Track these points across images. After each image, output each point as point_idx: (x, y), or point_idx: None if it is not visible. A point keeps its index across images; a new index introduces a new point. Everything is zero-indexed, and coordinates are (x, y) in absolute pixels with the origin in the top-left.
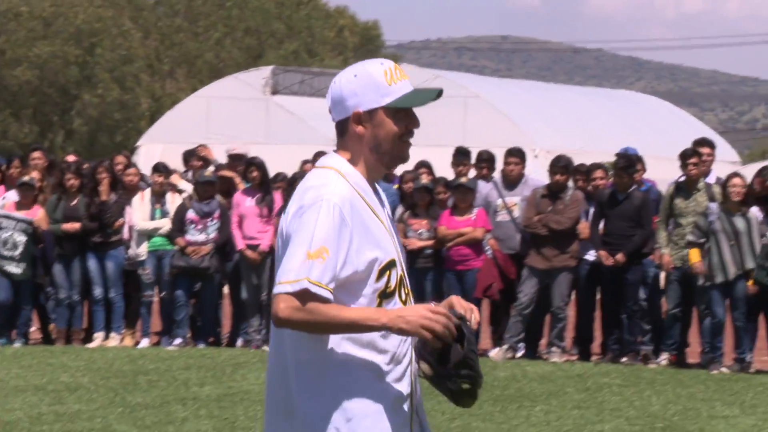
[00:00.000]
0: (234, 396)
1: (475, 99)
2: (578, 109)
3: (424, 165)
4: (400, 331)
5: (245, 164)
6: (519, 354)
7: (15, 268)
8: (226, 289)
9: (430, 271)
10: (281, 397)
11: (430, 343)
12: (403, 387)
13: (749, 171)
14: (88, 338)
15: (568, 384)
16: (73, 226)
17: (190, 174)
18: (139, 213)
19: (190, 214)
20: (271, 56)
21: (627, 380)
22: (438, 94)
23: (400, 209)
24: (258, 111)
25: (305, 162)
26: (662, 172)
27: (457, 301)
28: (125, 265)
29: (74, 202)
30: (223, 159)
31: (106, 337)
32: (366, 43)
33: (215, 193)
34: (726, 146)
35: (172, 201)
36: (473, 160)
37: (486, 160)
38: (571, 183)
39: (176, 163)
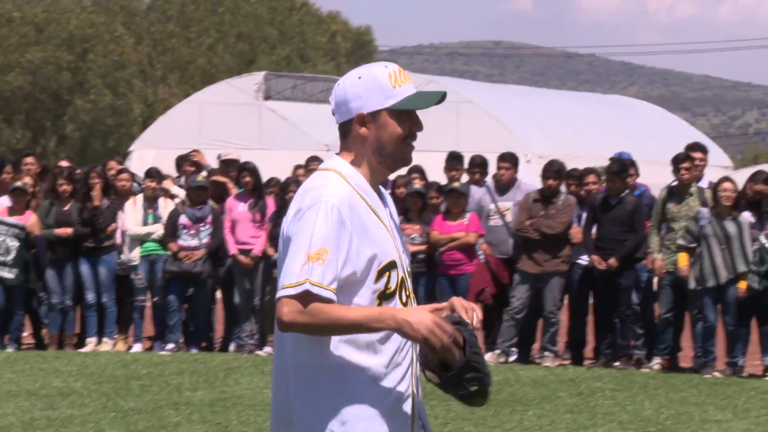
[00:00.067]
0: (227, 401)
1: (467, 104)
2: (571, 115)
3: (416, 170)
4: (405, 336)
5: (238, 169)
6: (512, 358)
7: (7, 274)
8: (218, 294)
9: (423, 276)
10: (281, 401)
11: (430, 356)
12: (404, 389)
13: (742, 176)
14: (80, 343)
15: (561, 388)
16: (66, 231)
17: (182, 179)
18: (131, 218)
19: (183, 220)
20: (264, 62)
21: (620, 385)
22: (442, 97)
23: None
24: (250, 116)
25: (298, 167)
26: (654, 176)
27: (458, 302)
28: (118, 270)
29: (67, 208)
30: (215, 164)
31: (99, 342)
32: (358, 48)
33: (208, 198)
34: (718, 151)
35: (165, 206)
36: (466, 165)
37: (479, 165)
38: (563, 188)
39: (169, 168)
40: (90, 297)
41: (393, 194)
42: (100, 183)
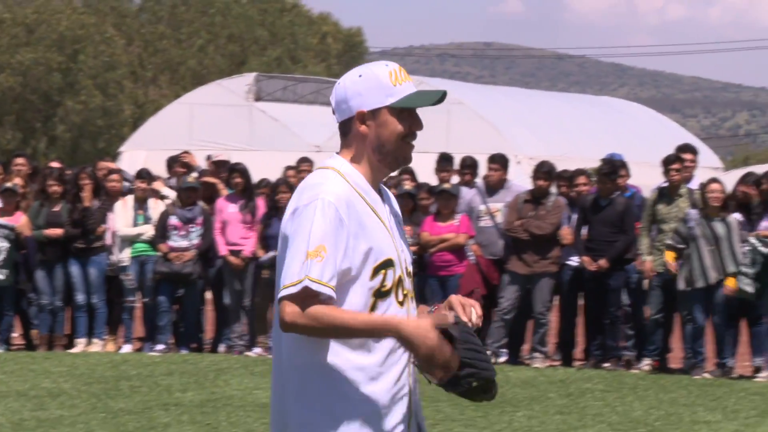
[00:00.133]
0: (216, 402)
1: (458, 105)
2: (561, 116)
3: (407, 171)
4: (406, 348)
5: (228, 170)
6: (501, 359)
7: None
8: (208, 295)
9: (413, 277)
10: (278, 402)
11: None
12: (399, 389)
13: (732, 177)
14: (70, 344)
15: (551, 389)
16: (56, 231)
17: (173, 180)
18: (121, 219)
19: (173, 220)
20: (254, 63)
21: (609, 385)
22: (442, 96)
23: None
24: (241, 117)
25: (288, 168)
26: (645, 178)
27: (456, 300)
28: (108, 271)
29: (57, 209)
30: (204, 165)
31: (89, 343)
32: (349, 49)
33: (198, 199)
34: (708, 152)
35: (155, 207)
36: (456, 166)
37: (469, 166)
38: (554, 189)
39: (159, 169)
40: (80, 298)
41: None
42: (91, 184)
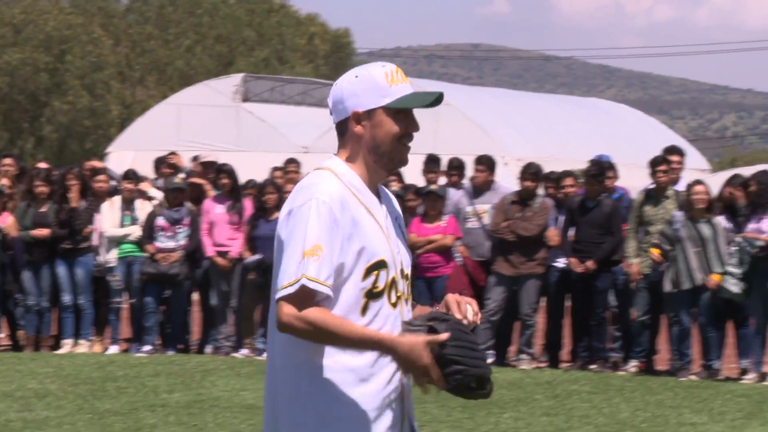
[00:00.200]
0: (203, 403)
1: (445, 107)
2: (549, 117)
3: (393, 172)
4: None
5: (215, 171)
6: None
7: None
8: (195, 296)
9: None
10: (270, 402)
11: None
12: (391, 390)
13: (719, 179)
14: (56, 345)
15: (537, 391)
16: (42, 232)
17: (160, 181)
18: (108, 220)
19: (160, 221)
20: (242, 63)
21: (596, 387)
22: (438, 97)
23: None
24: (228, 118)
25: (275, 169)
26: (632, 179)
27: (452, 298)
28: (94, 272)
29: (44, 209)
30: (190, 166)
31: (75, 344)
32: (337, 50)
33: (185, 200)
34: (696, 154)
35: (142, 208)
36: (444, 167)
37: (456, 167)
38: (541, 190)
39: (147, 170)
40: (66, 298)
41: None
42: (78, 184)
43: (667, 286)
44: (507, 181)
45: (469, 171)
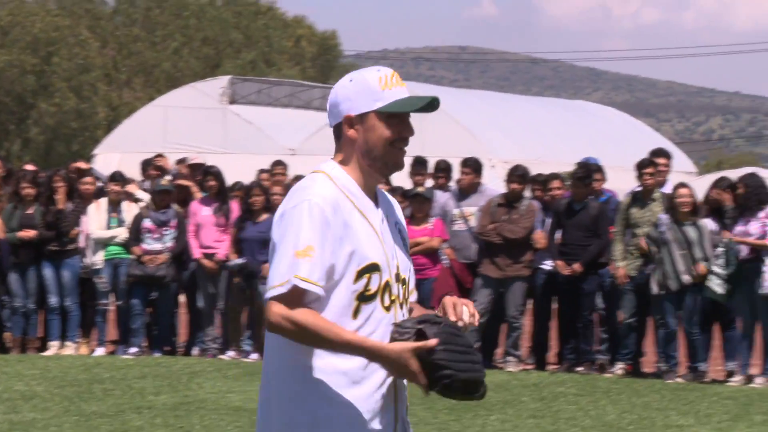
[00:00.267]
0: (190, 405)
1: None
2: (536, 120)
3: None
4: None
5: (202, 173)
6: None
7: None
8: (182, 298)
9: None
10: (264, 404)
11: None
12: (384, 393)
13: (705, 181)
14: (43, 347)
15: (524, 393)
16: (29, 233)
17: (147, 183)
18: (95, 221)
19: (147, 223)
20: (229, 66)
21: (582, 389)
22: (431, 101)
23: None
24: (215, 120)
25: (262, 171)
26: (618, 182)
27: (449, 302)
28: (81, 274)
29: (30, 211)
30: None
31: (62, 346)
32: (324, 53)
33: (172, 202)
34: (682, 157)
35: (129, 210)
36: (431, 169)
37: (443, 169)
38: (528, 193)
39: (133, 172)
40: (53, 300)
41: None
42: (64, 186)
43: (654, 288)
44: (494, 183)
45: (456, 173)
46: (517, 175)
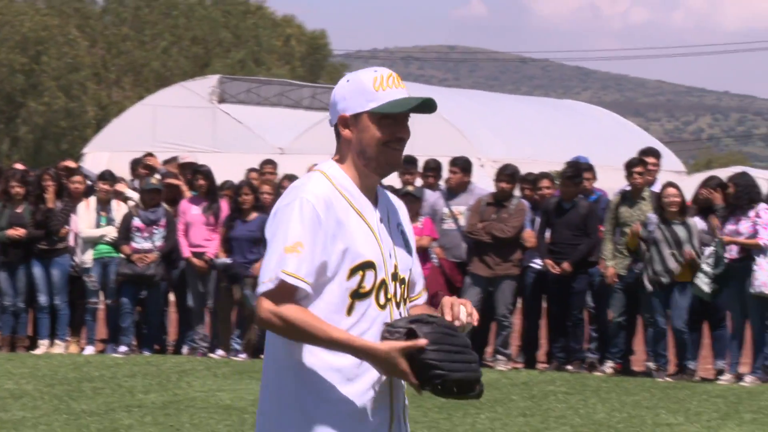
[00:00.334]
0: (179, 403)
1: None
2: (525, 119)
3: None
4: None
5: (192, 172)
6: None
7: None
8: (171, 297)
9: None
10: (259, 403)
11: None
12: (379, 390)
13: (695, 181)
14: (32, 345)
15: (514, 391)
16: (18, 232)
17: (136, 182)
18: (84, 220)
19: (136, 222)
20: (218, 65)
21: (572, 388)
22: (424, 103)
23: None
24: (205, 119)
25: (251, 170)
26: (608, 181)
27: (447, 302)
28: (71, 272)
29: (19, 210)
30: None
31: (51, 345)
32: (313, 52)
33: (161, 201)
34: (671, 156)
35: (118, 209)
36: (420, 168)
37: (433, 168)
38: (517, 192)
39: (123, 171)
40: (42, 299)
41: None
42: (54, 185)
43: (648, 286)
44: (483, 182)
45: (446, 173)
46: (507, 174)
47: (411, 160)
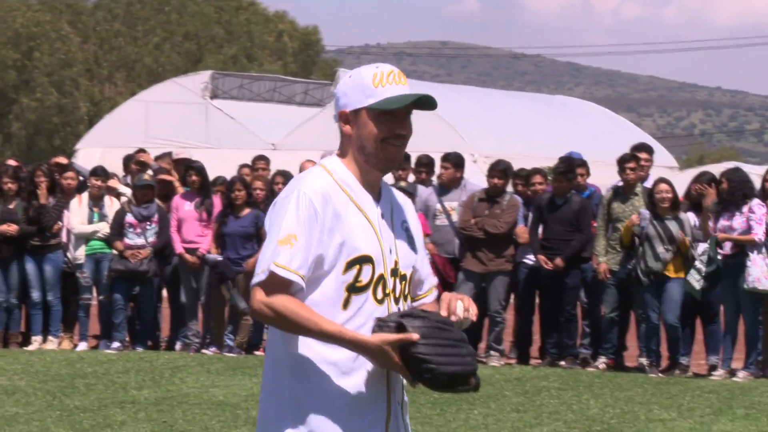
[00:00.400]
0: (172, 399)
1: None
2: (518, 115)
3: None
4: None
5: (184, 168)
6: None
7: None
8: (164, 293)
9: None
10: (261, 397)
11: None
12: (375, 384)
13: (687, 176)
14: (25, 341)
15: (507, 387)
16: (11, 228)
17: (129, 178)
18: (76, 216)
19: (129, 218)
20: (211, 61)
21: (565, 384)
22: (421, 99)
23: None
24: (197, 115)
25: (243, 166)
26: (600, 177)
27: (445, 297)
28: (63, 268)
29: (12, 206)
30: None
31: (44, 341)
32: (305, 48)
33: (154, 197)
34: (664, 152)
35: (111, 204)
36: (413, 164)
37: (425, 164)
38: (510, 187)
39: (115, 167)
40: (35, 295)
41: None
42: (46, 181)
43: (644, 280)
44: (476, 178)
45: (438, 168)
46: (499, 170)
47: (403, 156)
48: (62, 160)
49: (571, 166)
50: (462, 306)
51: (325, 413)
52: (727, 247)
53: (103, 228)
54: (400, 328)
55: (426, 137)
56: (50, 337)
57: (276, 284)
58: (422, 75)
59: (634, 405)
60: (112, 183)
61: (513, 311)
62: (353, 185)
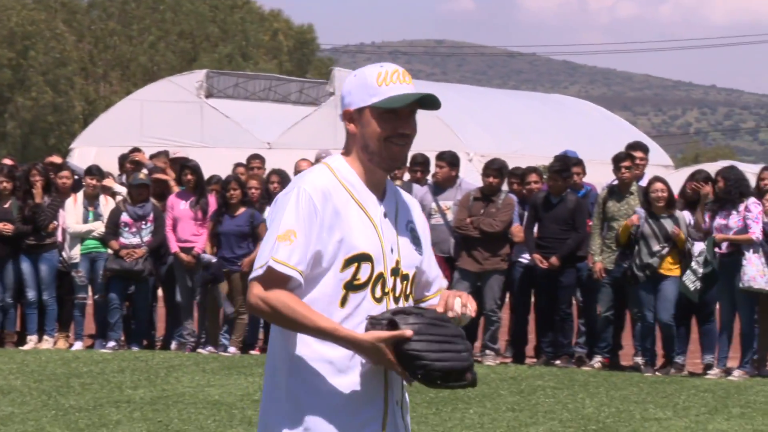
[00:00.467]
0: (168, 399)
1: None
2: (513, 113)
3: None
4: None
5: (180, 167)
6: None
7: None
8: (160, 292)
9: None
10: (263, 391)
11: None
12: (372, 382)
13: (682, 175)
14: (21, 341)
15: (502, 386)
16: (6, 227)
17: (124, 177)
18: (72, 216)
19: (124, 217)
20: (206, 59)
21: (561, 383)
22: (427, 98)
23: None
24: (192, 114)
25: (238, 165)
26: (596, 175)
27: (443, 294)
28: (59, 267)
29: (7, 205)
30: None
31: (40, 340)
32: (300, 46)
33: (149, 196)
34: (659, 150)
35: (106, 204)
36: (407, 163)
37: (420, 163)
38: (505, 186)
39: (110, 166)
40: (31, 295)
41: None
42: (41, 180)
43: (641, 276)
44: (471, 177)
45: (433, 167)
46: (494, 168)
47: (407, 155)
48: (57, 159)
49: (566, 165)
50: (460, 302)
51: (321, 412)
52: (723, 246)
53: (99, 227)
54: (392, 325)
55: (421, 136)
56: (45, 337)
57: (274, 279)
58: (417, 74)
59: (630, 404)
60: (108, 182)
61: (508, 310)
62: (356, 183)
